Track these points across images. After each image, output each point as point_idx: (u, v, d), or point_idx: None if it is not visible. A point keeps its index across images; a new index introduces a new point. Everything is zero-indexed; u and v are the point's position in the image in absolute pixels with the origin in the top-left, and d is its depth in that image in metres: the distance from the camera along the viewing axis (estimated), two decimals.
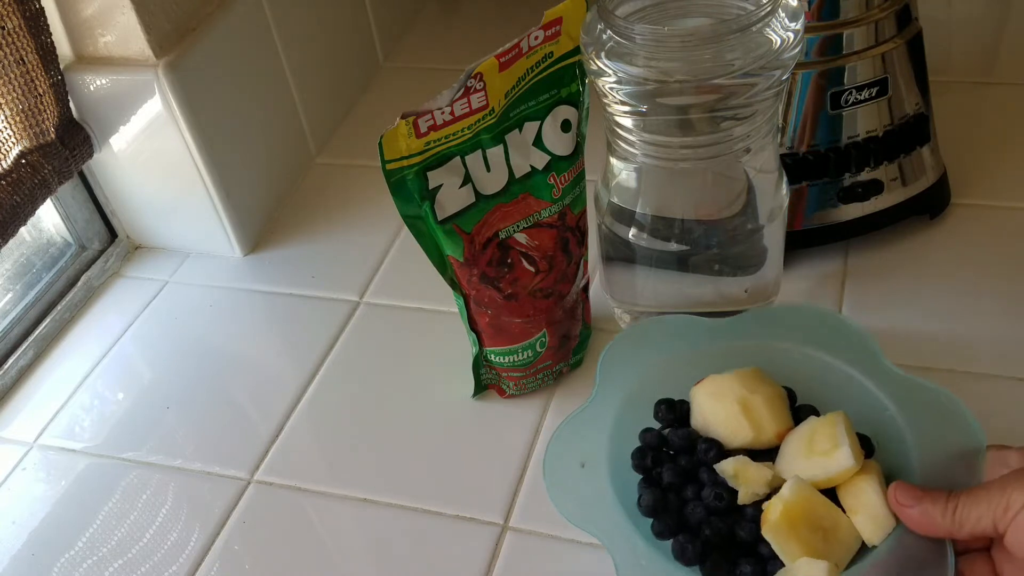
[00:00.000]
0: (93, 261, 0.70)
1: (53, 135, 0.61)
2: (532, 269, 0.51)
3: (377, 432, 0.56)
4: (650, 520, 0.43)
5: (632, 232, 0.52)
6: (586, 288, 0.56)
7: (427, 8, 0.94)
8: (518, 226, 0.49)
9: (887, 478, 0.42)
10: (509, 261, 0.50)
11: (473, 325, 0.53)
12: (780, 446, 0.45)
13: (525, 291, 0.51)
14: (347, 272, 0.67)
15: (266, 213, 0.72)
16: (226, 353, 0.63)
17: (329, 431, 0.57)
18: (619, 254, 0.54)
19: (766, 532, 0.41)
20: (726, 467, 0.43)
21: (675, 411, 0.47)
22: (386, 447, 0.55)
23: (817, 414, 0.46)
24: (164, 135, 0.63)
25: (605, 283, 0.58)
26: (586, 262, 0.55)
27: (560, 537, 0.49)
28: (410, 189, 0.47)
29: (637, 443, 0.46)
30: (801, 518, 0.41)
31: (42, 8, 0.57)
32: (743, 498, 0.43)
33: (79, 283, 0.68)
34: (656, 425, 0.47)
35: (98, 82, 0.62)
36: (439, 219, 0.48)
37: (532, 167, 0.49)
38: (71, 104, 0.62)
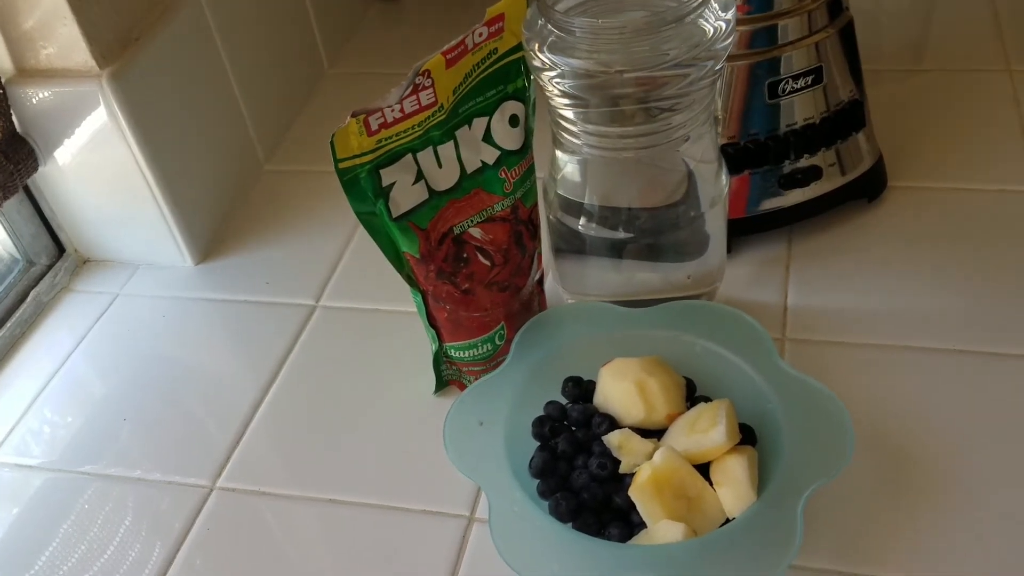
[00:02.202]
0: (41, 276, 0.69)
1: None
2: (488, 263, 0.51)
3: (340, 433, 0.56)
4: (536, 482, 0.47)
5: (581, 222, 0.53)
6: (541, 281, 0.57)
7: (370, 13, 0.94)
8: (472, 221, 0.50)
9: (760, 464, 0.46)
10: (465, 256, 0.51)
11: (432, 321, 0.54)
12: (669, 427, 0.48)
13: (482, 285, 0.52)
14: (302, 277, 0.67)
15: (216, 221, 0.71)
16: (182, 363, 0.63)
17: (291, 435, 0.57)
18: (569, 246, 0.56)
19: (633, 493, 0.44)
20: (612, 438, 0.47)
21: (581, 388, 0.51)
22: (349, 447, 0.55)
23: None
24: (110, 146, 0.63)
25: (557, 275, 0.59)
26: (540, 255, 0.56)
27: None
28: (363, 187, 0.47)
29: (539, 412, 0.50)
30: (667, 484, 0.44)
31: None
32: (624, 468, 0.46)
33: (28, 299, 0.67)
34: (563, 400, 0.50)
35: (41, 95, 0.61)
36: (394, 216, 0.48)
37: (483, 162, 0.50)
38: (14, 118, 0.62)
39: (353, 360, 0.60)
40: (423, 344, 0.56)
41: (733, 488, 0.44)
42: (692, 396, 0.50)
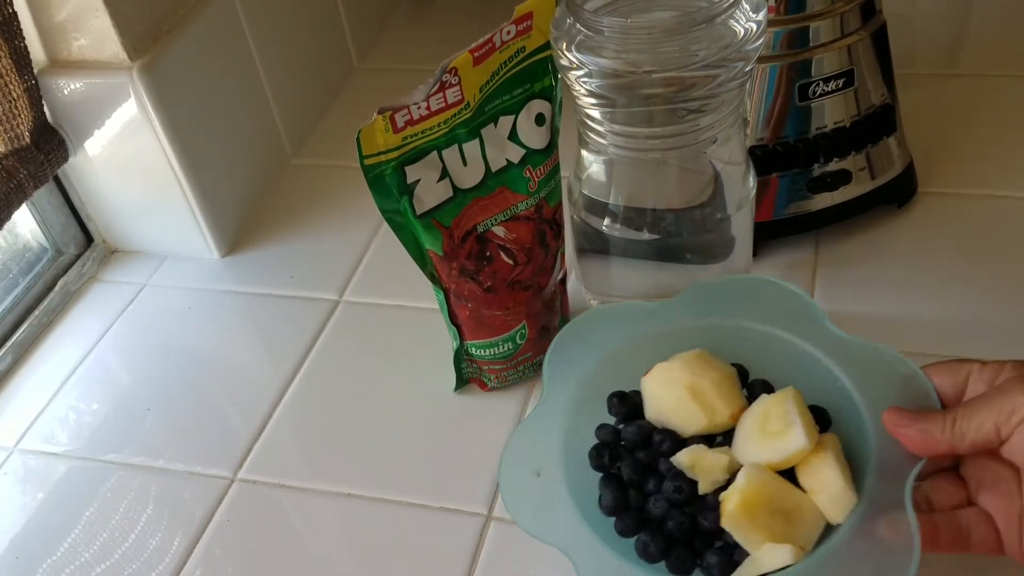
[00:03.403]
0: (70, 266, 0.69)
1: (28, 140, 0.61)
2: (511, 261, 0.51)
3: (360, 428, 0.56)
4: (612, 520, 0.43)
5: (606, 222, 0.53)
6: (564, 280, 0.57)
7: (400, 9, 0.94)
8: (496, 219, 0.50)
9: (845, 450, 0.42)
10: (488, 254, 0.51)
11: (453, 319, 0.54)
12: (735, 428, 0.44)
13: (504, 284, 0.52)
14: (326, 271, 0.67)
15: (243, 214, 0.72)
16: (206, 354, 0.63)
17: (312, 428, 0.57)
18: (593, 246, 0.55)
19: (726, 524, 0.40)
20: (682, 459, 0.43)
21: (627, 403, 0.46)
22: (369, 443, 0.55)
23: (771, 389, 0.45)
24: (139, 138, 0.63)
25: (580, 275, 0.59)
26: (563, 255, 0.55)
27: None
28: (388, 184, 0.47)
29: (592, 441, 0.45)
30: (759, 505, 0.40)
31: (15, 12, 0.57)
32: (703, 487, 0.42)
33: (56, 288, 0.68)
34: (611, 420, 0.47)
35: (72, 86, 0.62)
36: (418, 213, 0.48)
37: (508, 161, 0.50)
38: (45, 108, 0.62)
39: (375, 356, 0.61)
40: (445, 341, 0.56)
41: (830, 494, 0.40)
42: (747, 383, 0.46)
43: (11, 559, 0.53)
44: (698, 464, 0.42)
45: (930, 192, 0.65)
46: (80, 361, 0.64)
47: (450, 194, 0.49)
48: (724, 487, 0.42)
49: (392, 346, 0.61)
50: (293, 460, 0.55)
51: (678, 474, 0.43)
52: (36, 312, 0.66)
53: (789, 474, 0.42)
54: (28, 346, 0.65)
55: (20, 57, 0.58)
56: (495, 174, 0.50)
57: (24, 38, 0.58)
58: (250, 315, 0.66)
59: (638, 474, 0.44)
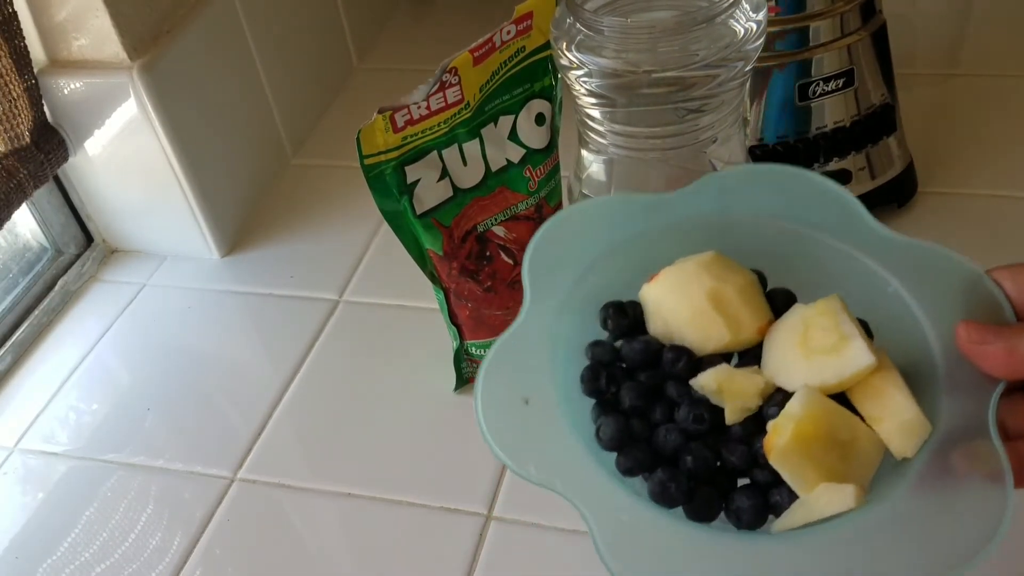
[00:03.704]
0: (70, 265, 0.69)
1: (28, 139, 0.61)
2: (511, 261, 0.51)
3: (360, 428, 0.56)
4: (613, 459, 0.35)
5: None
6: None
7: (400, 9, 0.94)
8: (496, 219, 0.50)
9: (902, 373, 0.34)
10: (488, 254, 0.51)
11: (453, 319, 0.54)
12: (762, 345, 0.37)
13: (504, 284, 0.52)
14: (326, 271, 0.67)
15: (243, 214, 0.72)
16: (206, 354, 0.63)
17: (312, 428, 0.57)
18: None
19: (775, 460, 0.33)
20: (706, 381, 0.35)
21: (627, 316, 0.38)
22: (369, 442, 0.55)
23: (794, 300, 0.38)
24: (139, 138, 0.63)
25: None
26: None
27: (544, 525, 0.50)
28: (388, 184, 0.47)
29: (585, 361, 0.38)
30: (817, 437, 0.32)
31: (15, 12, 0.57)
32: (731, 416, 0.35)
33: (56, 288, 0.68)
34: (605, 336, 0.39)
35: (72, 85, 0.62)
36: (418, 213, 0.48)
37: (508, 160, 0.50)
38: (45, 108, 0.62)
39: (375, 355, 0.61)
40: (445, 340, 0.56)
41: (900, 422, 0.33)
42: (765, 293, 0.38)
43: (11, 559, 0.53)
44: (727, 388, 0.35)
45: (930, 192, 0.65)
46: (80, 361, 0.64)
47: (450, 194, 0.49)
48: (755, 417, 0.35)
49: (392, 346, 0.61)
50: (293, 460, 0.55)
51: (698, 400, 0.35)
52: (36, 312, 0.66)
53: (840, 400, 0.34)
54: (28, 346, 0.65)
55: (20, 57, 0.58)
56: (495, 174, 0.50)
57: (24, 38, 0.58)
58: (250, 315, 0.66)
59: (642, 400, 0.36)
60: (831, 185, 0.38)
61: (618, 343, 0.38)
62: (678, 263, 0.37)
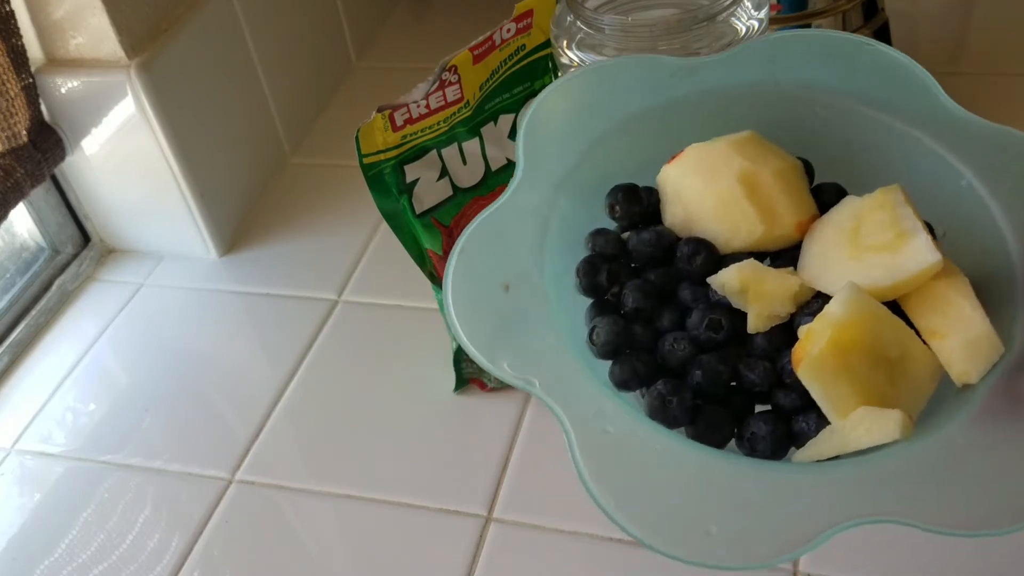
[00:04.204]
0: (67, 265, 0.69)
1: (25, 138, 0.60)
2: None
3: (358, 429, 0.56)
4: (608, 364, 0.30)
5: None
6: None
7: (399, 7, 0.94)
8: None
9: (972, 283, 0.29)
10: None
11: None
12: (802, 244, 0.31)
13: None
14: (325, 271, 0.67)
15: (241, 214, 0.71)
16: (204, 354, 0.63)
17: (310, 429, 0.57)
18: None
19: (804, 373, 0.27)
20: (728, 278, 0.29)
21: (639, 202, 0.32)
22: (368, 443, 0.55)
23: (845, 195, 0.31)
24: (137, 137, 0.63)
25: None
26: None
27: (544, 527, 0.49)
28: (388, 183, 0.47)
29: (584, 252, 0.32)
30: (859, 347, 0.26)
31: (12, 11, 0.56)
32: (755, 324, 0.29)
33: (53, 287, 0.68)
34: (611, 225, 0.33)
35: (70, 84, 0.61)
36: (417, 212, 0.48)
37: (508, 160, 0.49)
38: (43, 107, 0.62)
39: (373, 356, 0.60)
40: (444, 341, 0.56)
41: (966, 339, 0.27)
42: (811, 188, 0.32)
43: (8, 560, 0.52)
44: (753, 288, 0.28)
45: None
46: (77, 361, 0.64)
47: (449, 193, 0.48)
48: (785, 326, 0.29)
49: (391, 346, 0.61)
50: (291, 461, 0.55)
51: (716, 303, 0.29)
52: (33, 312, 0.66)
53: (892, 310, 0.28)
54: (25, 346, 0.65)
55: (17, 55, 0.58)
56: (495, 173, 0.49)
57: (21, 36, 0.57)
58: (248, 315, 0.65)
59: (649, 302, 0.30)
60: (899, 57, 0.32)
61: (626, 234, 0.32)
62: (707, 142, 0.31)
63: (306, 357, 0.61)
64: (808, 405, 0.28)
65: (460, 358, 0.55)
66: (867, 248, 0.28)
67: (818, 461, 0.27)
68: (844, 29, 0.56)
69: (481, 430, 0.55)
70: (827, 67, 0.33)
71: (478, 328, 0.28)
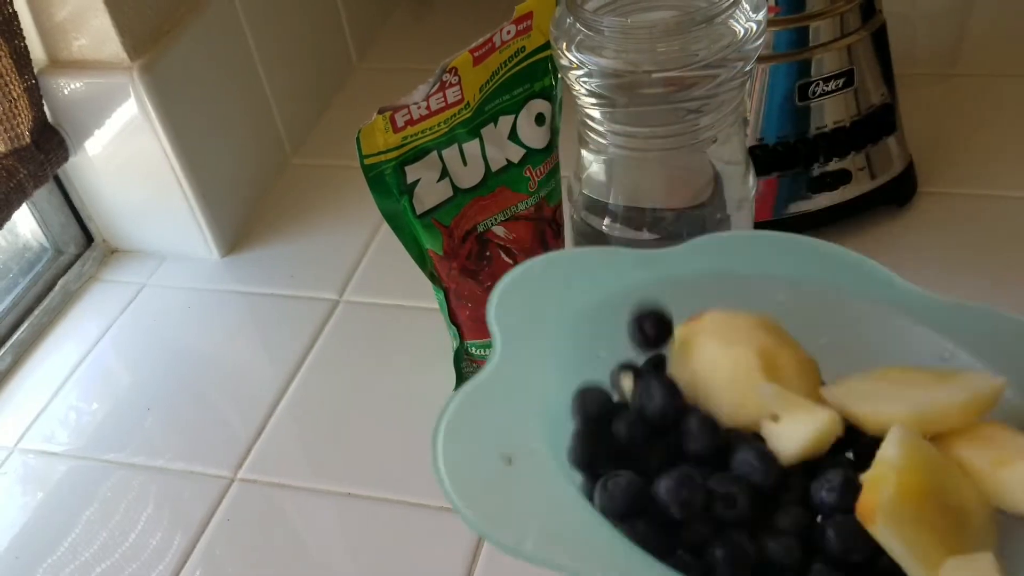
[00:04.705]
0: (70, 265, 0.69)
1: (28, 139, 0.61)
2: (511, 261, 0.51)
3: (359, 428, 0.56)
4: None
5: (606, 222, 0.53)
6: None
7: (400, 8, 0.94)
8: (495, 219, 0.50)
9: None
10: (488, 254, 0.51)
11: (454, 319, 0.54)
12: None
13: None
14: (326, 271, 0.67)
15: (243, 214, 0.72)
16: (206, 354, 0.63)
17: (312, 428, 0.57)
18: (593, 245, 0.55)
19: (884, 521, 0.24)
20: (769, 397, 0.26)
21: (664, 329, 0.30)
22: (369, 442, 0.55)
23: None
24: (139, 138, 0.63)
25: None
26: None
27: None
28: (388, 184, 0.47)
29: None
30: (926, 493, 0.24)
31: (15, 12, 0.57)
32: (800, 448, 0.26)
33: (56, 288, 0.68)
34: (599, 382, 0.31)
35: (72, 85, 0.62)
36: (418, 213, 0.48)
37: (508, 160, 0.50)
38: (46, 108, 0.62)
39: (375, 355, 0.61)
40: (445, 340, 0.56)
41: None
42: None
43: (11, 559, 0.53)
44: (791, 412, 0.26)
45: (930, 192, 0.65)
46: (80, 361, 0.64)
47: (450, 194, 0.49)
48: (795, 475, 0.26)
49: (392, 346, 0.61)
50: (293, 460, 0.55)
51: (751, 437, 0.27)
52: (36, 312, 0.66)
53: None
54: (28, 346, 0.65)
55: (20, 57, 0.58)
56: (495, 174, 0.50)
57: (24, 38, 0.58)
58: (250, 315, 0.66)
59: (639, 432, 0.28)
60: (856, 257, 0.33)
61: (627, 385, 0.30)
62: (729, 311, 0.30)
63: (308, 357, 0.61)
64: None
65: (460, 358, 0.56)
66: (910, 384, 0.27)
67: None
68: (842, 31, 0.56)
69: None
70: (785, 261, 0.33)
71: (487, 505, 0.26)
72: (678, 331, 0.31)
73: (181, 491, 0.54)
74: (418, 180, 0.47)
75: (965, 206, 0.64)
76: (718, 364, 0.29)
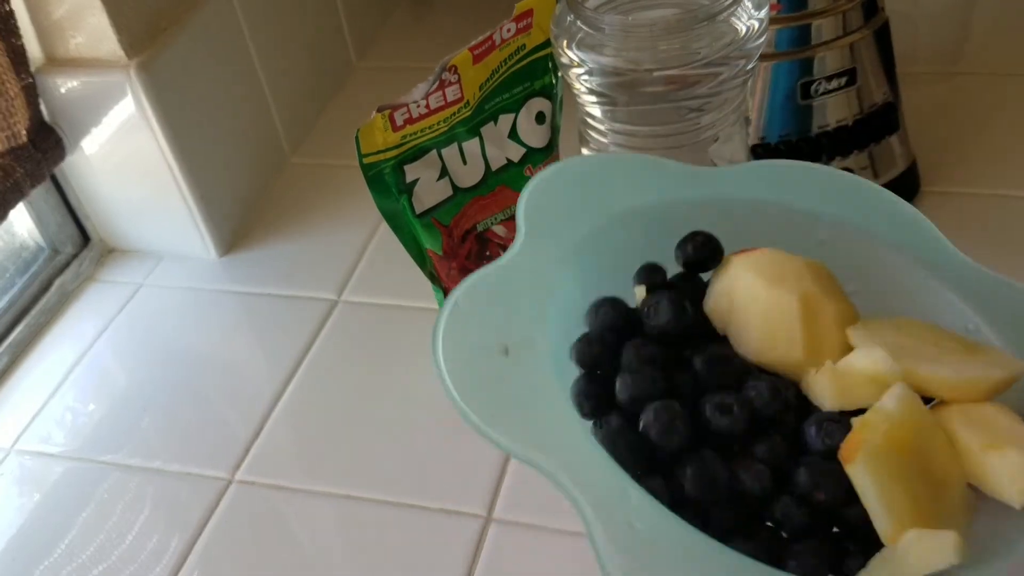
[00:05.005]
0: (66, 265, 0.69)
1: (25, 138, 0.60)
2: None
3: (358, 428, 0.56)
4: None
5: None
6: None
7: (399, 7, 0.94)
8: (495, 218, 0.50)
9: None
10: (488, 253, 0.50)
11: None
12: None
13: None
14: (325, 271, 0.67)
15: (241, 214, 0.71)
16: (203, 355, 0.63)
17: (310, 429, 0.57)
18: None
19: (862, 464, 0.24)
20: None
21: (711, 253, 0.30)
22: (367, 443, 0.55)
23: None
24: (137, 136, 0.63)
25: None
26: None
27: (545, 527, 0.49)
28: (388, 183, 0.47)
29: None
30: (910, 451, 0.25)
31: (12, 10, 0.56)
32: (837, 400, 0.26)
33: (52, 288, 0.68)
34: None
35: (69, 84, 0.61)
36: (417, 212, 0.48)
37: (508, 159, 0.49)
38: (42, 106, 0.62)
39: (373, 355, 0.60)
40: None
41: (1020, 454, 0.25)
42: None
43: (8, 560, 0.52)
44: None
45: (933, 191, 0.64)
46: (77, 361, 0.64)
47: (449, 193, 0.48)
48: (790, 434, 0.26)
49: (391, 346, 0.61)
50: (291, 461, 0.55)
51: (762, 384, 0.27)
52: (33, 312, 0.66)
53: None
54: (24, 346, 0.65)
55: (17, 55, 0.57)
56: (495, 173, 0.49)
57: (21, 36, 0.57)
58: (248, 315, 0.65)
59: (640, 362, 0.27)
60: (906, 206, 0.31)
61: (648, 301, 0.29)
62: (785, 252, 0.30)
63: (306, 357, 0.61)
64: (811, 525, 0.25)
65: None
66: (949, 351, 0.27)
67: None
68: (844, 29, 0.56)
69: None
70: (836, 200, 0.33)
71: (476, 393, 0.26)
72: (730, 258, 0.30)
73: (178, 492, 0.54)
74: (417, 179, 0.47)
75: (968, 205, 0.63)
76: (758, 301, 0.29)
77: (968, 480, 0.26)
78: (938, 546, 0.23)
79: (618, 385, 0.27)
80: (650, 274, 0.30)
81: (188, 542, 0.51)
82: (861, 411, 0.26)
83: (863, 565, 0.25)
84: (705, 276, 0.32)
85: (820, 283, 0.29)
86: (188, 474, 0.55)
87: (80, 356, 0.64)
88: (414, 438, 0.55)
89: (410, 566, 0.49)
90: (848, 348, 0.29)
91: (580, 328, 0.29)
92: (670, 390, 0.27)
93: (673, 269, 0.31)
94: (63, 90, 0.62)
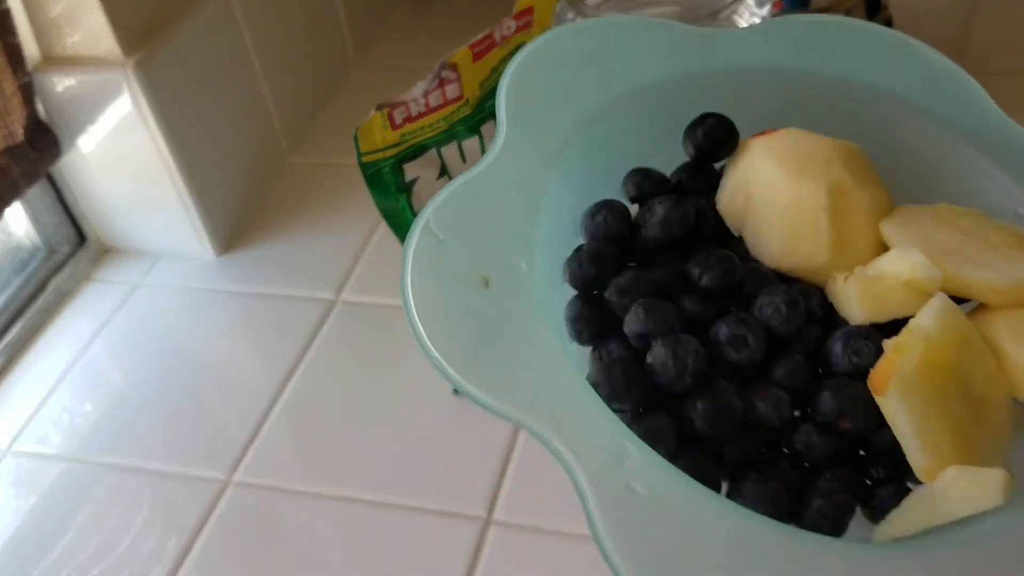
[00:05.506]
0: (63, 265, 0.69)
1: (21, 137, 0.60)
2: None
3: (357, 430, 0.56)
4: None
5: None
6: None
7: (399, 5, 0.94)
8: None
9: None
10: None
11: None
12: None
13: None
14: (323, 270, 0.66)
15: (239, 213, 0.71)
16: (201, 355, 0.62)
17: (308, 430, 0.56)
18: None
19: (895, 394, 0.21)
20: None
21: (724, 139, 0.25)
22: (366, 444, 0.55)
23: None
24: (134, 135, 0.63)
25: None
26: None
27: (545, 529, 0.49)
28: (387, 181, 0.46)
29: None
30: (950, 374, 0.21)
31: (8, 9, 0.56)
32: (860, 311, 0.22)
33: (49, 288, 0.67)
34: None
35: (66, 82, 0.61)
36: (416, 211, 0.47)
37: None
38: (39, 105, 0.61)
39: (372, 356, 0.60)
40: None
41: None
42: None
43: (4, 562, 0.52)
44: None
45: None
46: (73, 362, 0.63)
47: None
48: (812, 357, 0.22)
49: (390, 346, 0.60)
50: (289, 462, 0.55)
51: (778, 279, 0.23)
52: (29, 312, 0.66)
53: None
54: (21, 346, 0.64)
55: (13, 54, 0.57)
56: None
57: (17, 34, 0.57)
58: (245, 315, 0.65)
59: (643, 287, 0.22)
60: (947, 63, 0.27)
61: (656, 204, 0.24)
62: (811, 133, 0.25)
63: (304, 357, 0.61)
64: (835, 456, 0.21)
65: None
66: (995, 248, 0.23)
67: (905, 538, 0.21)
68: None
69: (481, 431, 0.54)
70: (865, 63, 0.28)
71: (449, 336, 0.22)
72: (746, 143, 0.25)
73: (176, 494, 0.54)
74: (417, 178, 0.47)
75: None
76: (780, 194, 0.24)
77: (1015, 394, 0.22)
78: (982, 485, 0.20)
79: (627, 319, 0.23)
80: (639, 182, 0.25)
81: (185, 543, 0.51)
82: (894, 323, 0.23)
83: (895, 496, 0.22)
84: (719, 167, 0.27)
85: (852, 169, 0.25)
86: (185, 475, 0.55)
87: (77, 356, 0.63)
88: (413, 439, 0.54)
89: (409, 569, 0.48)
90: (881, 244, 0.24)
91: (575, 240, 0.24)
92: (682, 323, 0.23)
93: (681, 159, 0.27)
94: (60, 89, 0.61)
